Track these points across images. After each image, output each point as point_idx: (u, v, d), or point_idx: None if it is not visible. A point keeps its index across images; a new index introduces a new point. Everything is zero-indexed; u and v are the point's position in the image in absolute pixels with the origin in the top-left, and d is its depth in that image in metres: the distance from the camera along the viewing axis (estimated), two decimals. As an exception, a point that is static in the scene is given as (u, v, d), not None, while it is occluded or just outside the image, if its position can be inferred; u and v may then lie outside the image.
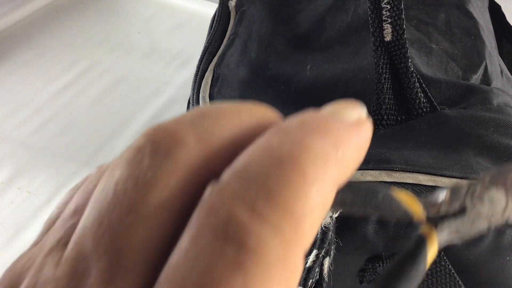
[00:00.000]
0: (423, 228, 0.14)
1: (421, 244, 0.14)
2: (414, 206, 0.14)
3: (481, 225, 0.15)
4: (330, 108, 0.12)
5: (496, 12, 0.41)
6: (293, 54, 0.34)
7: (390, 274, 0.14)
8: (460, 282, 0.24)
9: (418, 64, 0.29)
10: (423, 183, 0.22)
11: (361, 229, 0.24)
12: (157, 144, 0.10)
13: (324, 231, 0.22)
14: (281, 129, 0.10)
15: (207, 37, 0.36)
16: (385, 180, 0.22)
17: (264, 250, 0.09)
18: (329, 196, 0.10)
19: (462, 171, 0.23)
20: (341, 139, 0.11)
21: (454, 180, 0.22)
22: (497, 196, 0.15)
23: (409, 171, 0.23)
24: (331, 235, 0.22)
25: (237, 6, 0.38)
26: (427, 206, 0.14)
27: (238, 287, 0.08)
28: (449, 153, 0.24)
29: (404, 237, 0.24)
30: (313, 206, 0.10)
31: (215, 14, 0.38)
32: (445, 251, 0.23)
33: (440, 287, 0.24)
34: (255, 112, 0.12)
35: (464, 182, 0.15)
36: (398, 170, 0.23)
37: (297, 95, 0.30)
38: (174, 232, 0.09)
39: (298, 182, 0.10)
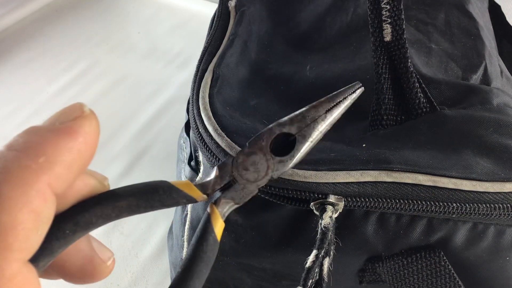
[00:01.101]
0: (209, 207, 0.17)
1: (207, 222, 0.17)
2: (192, 190, 0.17)
3: (252, 188, 0.18)
4: (47, 119, 0.13)
5: (496, 12, 0.41)
6: (293, 54, 0.34)
7: (188, 257, 0.16)
8: (460, 282, 0.24)
9: (418, 64, 0.29)
10: (422, 183, 0.22)
11: (360, 229, 0.24)
12: None
13: (323, 231, 0.22)
14: None
15: (207, 37, 0.36)
16: (384, 180, 0.22)
17: None
18: (38, 206, 0.11)
19: (462, 171, 0.23)
20: (42, 147, 0.12)
21: (453, 180, 0.22)
22: (258, 159, 0.18)
23: (409, 171, 0.23)
24: (330, 235, 0.22)
25: (237, 6, 0.38)
26: (202, 187, 0.17)
27: None
28: (448, 153, 0.24)
29: (404, 237, 0.24)
30: (13, 222, 0.10)
31: (215, 14, 0.38)
32: (445, 251, 0.23)
33: (440, 287, 0.24)
34: None
35: (228, 157, 0.18)
36: (398, 170, 0.23)
37: (297, 95, 0.30)
38: None
39: None
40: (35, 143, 0.12)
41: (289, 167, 0.18)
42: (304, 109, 0.19)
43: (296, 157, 0.18)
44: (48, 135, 0.12)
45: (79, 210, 0.15)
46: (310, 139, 0.19)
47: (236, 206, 0.18)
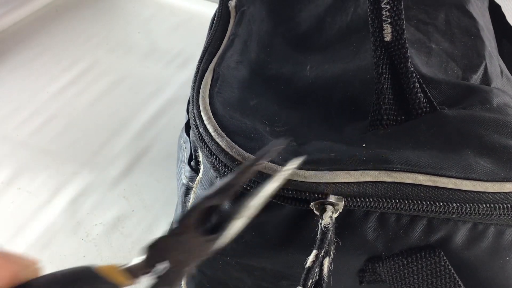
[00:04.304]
0: None
1: None
2: (118, 276, 0.17)
3: (184, 270, 0.17)
4: None
5: (496, 12, 0.41)
6: (293, 54, 0.34)
7: None
8: (460, 282, 0.24)
9: (418, 64, 0.29)
10: (422, 183, 0.22)
11: (361, 229, 0.24)
12: None
13: (323, 231, 0.22)
14: None
15: (207, 37, 0.36)
16: (384, 180, 0.22)
17: None
18: None
19: (462, 171, 0.23)
20: None
21: (453, 180, 0.22)
22: (187, 239, 0.17)
23: (409, 171, 0.23)
24: (330, 235, 0.22)
25: (237, 6, 0.38)
26: (130, 271, 0.17)
27: None
28: (449, 153, 0.24)
29: (404, 237, 0.24)
30: None
31: (215, 14, 0.38)
32: (445, 251, 0.23)
33: (440, 287, 0.24)
34: None
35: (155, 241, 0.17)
36: (398, 170, 0.23)
37: (297, 95, 0.30)
38: None
39: None
40: None
41: (222, 244, 0.18)
42: (231, 178, 0.18)
43: (230, 233, 0.18)
44: None
45: None
46: (243, 216, 0.18)
47: None
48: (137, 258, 0.17)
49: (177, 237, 0.17)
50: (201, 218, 0.18)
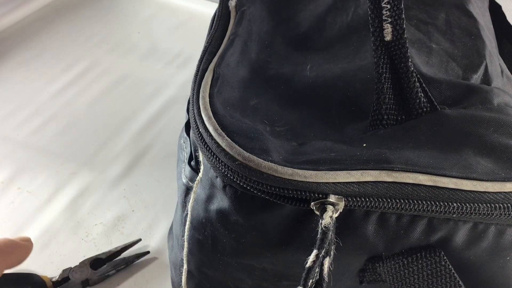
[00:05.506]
0: None
1: None
2: (49, 282, 0.36)
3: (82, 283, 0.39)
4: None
5: (496, 12, 0.41)
6: (293, 54, 0.34)
7: None
8: (460, 282, 0.24)
9: (418, 64, 0.29)
10: (423, 183, 0.22)
11: (361, 229, 0.24)
12: None
13: (324, 231, 0.22)
14: None
15: (207, 37, 0.36)
16: (385, 180, 0.22)
17: None
18: None
19: (462, 171, 0.23)
20: None
21: (454, 180, 0.22)
22: (84, 269, 0.40)
23: (409, 171, 0.22)
24: (331, 235, 0.22)
25: (237, 6, 0.38)
26: (52, 281, 0.36)
27: None
28: (449, 153, 0.24)
29: (404, 237, 0.24)
30: None
31: (215, 14, 0.38)
32: (445, 251, 0.23)
33: (440, 287, 0.24)
34: None
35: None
36: (398, 170, 0.23)
37: (297, 95, 0.30)
38: None
39: None
40: None
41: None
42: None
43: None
44: None
45: None
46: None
47: None
48: (57, 275, 0.35)
49: (78, 267, 0.38)
50: (92, 262, 0.39)
